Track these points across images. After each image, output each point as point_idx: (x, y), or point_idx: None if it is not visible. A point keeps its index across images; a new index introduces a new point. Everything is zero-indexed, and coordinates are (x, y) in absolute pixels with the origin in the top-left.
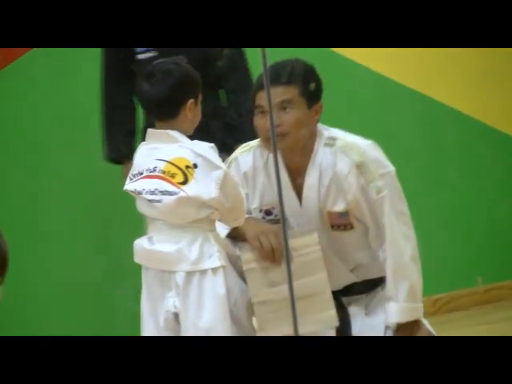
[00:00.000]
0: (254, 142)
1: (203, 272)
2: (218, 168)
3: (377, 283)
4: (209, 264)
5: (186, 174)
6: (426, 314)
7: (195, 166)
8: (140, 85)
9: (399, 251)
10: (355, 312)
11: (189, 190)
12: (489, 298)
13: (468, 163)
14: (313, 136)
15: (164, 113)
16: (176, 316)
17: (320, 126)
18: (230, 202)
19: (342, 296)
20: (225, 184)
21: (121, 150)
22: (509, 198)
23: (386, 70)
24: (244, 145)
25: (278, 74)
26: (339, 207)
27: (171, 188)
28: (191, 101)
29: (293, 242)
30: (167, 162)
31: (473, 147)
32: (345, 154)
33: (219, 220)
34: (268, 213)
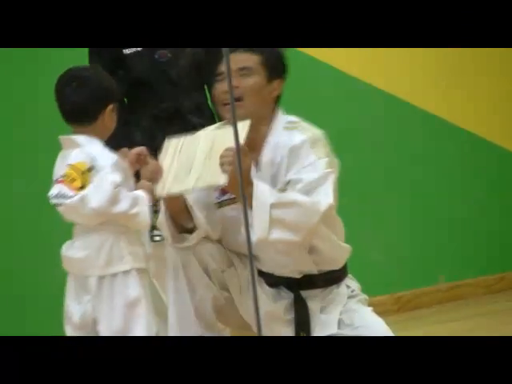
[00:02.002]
0: (218, 124)
1: (114, 275)
2: (110, 173)
3: (333, 279)
4: (119, 267)
5: (83, 178)
6: (389, 312)
7: (92, 169)
8: (60, 91)
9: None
10: (312, 307)
11: (84, 193)
12: (451, 295)
13: (431, 161)
14: (270, 113)
15: (84, 118)
16: (94, 320)
17: (283, 113)
18: (119, 207)
19: (300, 290)
20: (102, 187)
21: None
22: (471, 197)
23: (351, 68)
24: (208, 127)
25: None
26: (280, 185)
27: (69, 192)
28: (111, 106)
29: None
30: (69, 165)
31: (436, 146)
32: (300, 132)
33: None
34: (223, 192)
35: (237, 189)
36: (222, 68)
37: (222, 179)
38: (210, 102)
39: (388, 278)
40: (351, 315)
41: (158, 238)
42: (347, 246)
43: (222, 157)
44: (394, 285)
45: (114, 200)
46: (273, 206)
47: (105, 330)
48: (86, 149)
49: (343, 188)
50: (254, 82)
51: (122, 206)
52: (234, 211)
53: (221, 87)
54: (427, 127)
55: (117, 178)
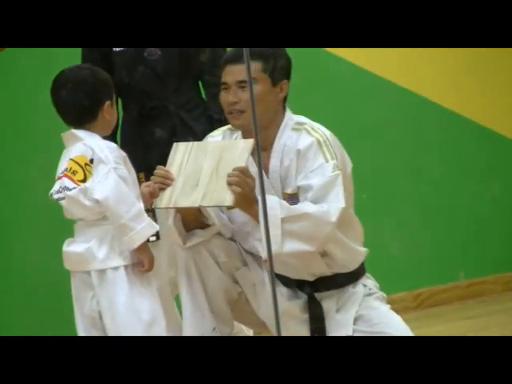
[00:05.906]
0: (226, 127)
1: (115, 269)
2: (103, 164)
3: (348, 279)
4: (119, 261)
5: (85, 171)
6: (408, 309)
7: (92, 161)
8: (56, 94)
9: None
10: (327, 307)
11: (87, 185)
12: (471, 292)
13: (450, 157)
14: (278, 116)
15: (83, 118)
16: (100, 314)
17: (291, 113)
18: (110, 200)
19: (315, 291)
20: (107, 180)
21: None
22: (490, 193)
23: (370, 65)
24: (217, 129)
25: (240, 52)
26: (291, 189)
27: (71, 185)
28: (108, 102)
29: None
30: (71, 159)
31: (455, 141)
32: (308, 134)
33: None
34: None
35: (245, 208)
36: (225, 78)
37: (228, 200)
38: (203, 94)
39: (407, 275)
40: (370, 312)
41: (153, 239)
42: (363, 250)
43: (229, 176)
44: (413, 281)
45: (118, 195)
46: (284, 220)
47: (110, 324)
48: (86, 142)
49: (363, 185)
50: (255, 92)
51: (124, 210)
52: (243, 216)
53: (225, 97)
54: (446, 123)
55: (123, 172)
